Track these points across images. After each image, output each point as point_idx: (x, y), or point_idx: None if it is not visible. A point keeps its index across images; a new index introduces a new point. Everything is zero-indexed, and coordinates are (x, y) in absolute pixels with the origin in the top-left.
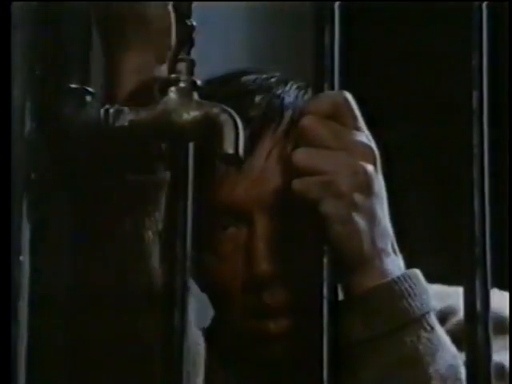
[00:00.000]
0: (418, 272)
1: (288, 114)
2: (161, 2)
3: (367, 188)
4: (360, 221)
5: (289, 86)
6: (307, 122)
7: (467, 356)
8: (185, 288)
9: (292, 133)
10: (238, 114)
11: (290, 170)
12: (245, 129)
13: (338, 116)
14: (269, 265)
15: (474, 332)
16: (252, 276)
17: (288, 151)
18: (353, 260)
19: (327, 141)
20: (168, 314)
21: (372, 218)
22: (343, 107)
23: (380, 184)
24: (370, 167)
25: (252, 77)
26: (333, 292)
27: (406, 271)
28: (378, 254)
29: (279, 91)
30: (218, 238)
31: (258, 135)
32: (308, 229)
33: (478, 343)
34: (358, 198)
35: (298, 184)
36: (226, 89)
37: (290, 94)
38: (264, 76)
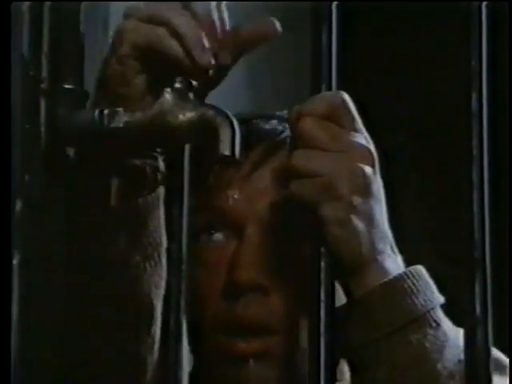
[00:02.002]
0: (420, 268)
1: None
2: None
3: (365, 190)
4: (358, 223)
5: None
6: (305, 123)
7: (466, 356)
8: (180, 294)
9: None
10: (259, 128)
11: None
12: (260, 142)
13: (336, 117)
14: (248, 274)
15: (473, 336)
16: (229, 282)
17: None
18: (352, 262)
19: (325, 142)
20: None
21: (370, 220)
22: (341, 108)
23: (378, 186)
24: (368, 169)
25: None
26: (330, 296)
27: (408, 268)
28: (377, 255)
29: None
30: (202, 245)
31: (272, 151)
32: (296, 250)
33: (477, 344)
34: (356, 200)
35: (295, 186)
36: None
37: None
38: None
